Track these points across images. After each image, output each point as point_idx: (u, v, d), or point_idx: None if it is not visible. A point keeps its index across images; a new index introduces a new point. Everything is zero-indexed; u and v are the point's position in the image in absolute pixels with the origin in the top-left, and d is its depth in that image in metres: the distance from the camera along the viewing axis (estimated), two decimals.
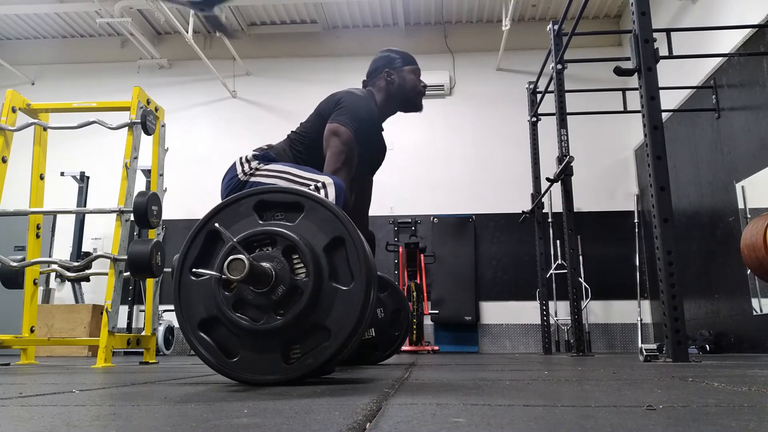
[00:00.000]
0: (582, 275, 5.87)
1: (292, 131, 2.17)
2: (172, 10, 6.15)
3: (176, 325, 6.23)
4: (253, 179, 1.95)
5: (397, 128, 7.02)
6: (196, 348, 1.32)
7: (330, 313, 1.27)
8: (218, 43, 6.91)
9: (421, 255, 5.91)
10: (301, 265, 1.28)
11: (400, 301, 2.83)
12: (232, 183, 1.99)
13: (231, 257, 1.19)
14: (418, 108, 2.31)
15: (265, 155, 2.03)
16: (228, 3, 6.04)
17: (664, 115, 4.96)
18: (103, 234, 6.61)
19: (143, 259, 2.77)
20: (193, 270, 1.32)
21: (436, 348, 5.81)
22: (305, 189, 1.69)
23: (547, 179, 4.34)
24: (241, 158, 2.03)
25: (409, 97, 2.27)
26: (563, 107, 4.12)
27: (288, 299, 1.26)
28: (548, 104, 4.80)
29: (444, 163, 6.80)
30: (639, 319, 6.00)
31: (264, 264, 1.26)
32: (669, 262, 2.53)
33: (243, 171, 1.99)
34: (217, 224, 1.32)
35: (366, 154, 2.19)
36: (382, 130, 2.32)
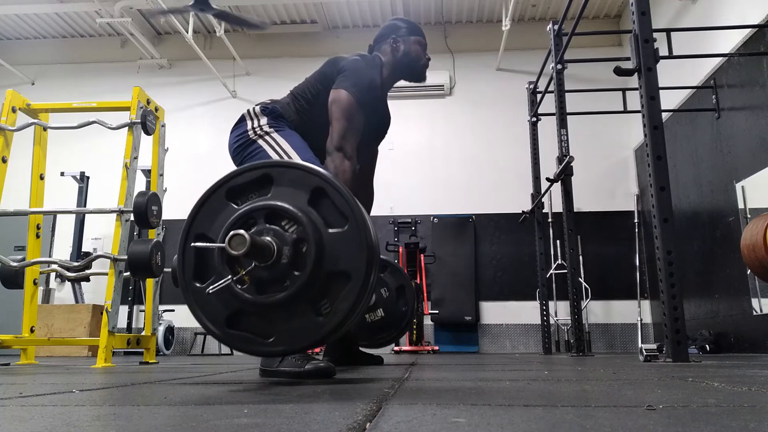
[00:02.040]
0: (582, 275, 5.87)
1: (296, 88, 2.17)
2: (171, 10, 6.15)
3: (176, 325, 6.23)
4: (260, 142, 1.97)
5: (397, 128, 7.03)
6: (234, 345, 1.32)
7: (340, 257, 1.28)
8: (218, 43, 6.91)
9: (421, 255, 5.91)
10: (294, 226, 1.29)
11: (403, 278, 2.88)
12: (242, 139, 2.01)
13: (230, 234, 1.19)
14: (421, 77, 2.32)
15: (273, 110, 2.04)
16: (224, 1, 6.03)
17: (664, 115, 4.97)
18: (103, 234, 6.61)
19: (143, 259, 2.77)
20: (209, 291, 1.30)
21: (436, 348, 5.81)
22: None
23: (547, 179, 4.34)
24: (249, 112, 2.05)
25: (413, 66, 2.27)
26: (563, 107, 4.12)
27: (296, 260, 1.27)
28: (548, 104, 4.80)
29: (444, 163, 6.80)
30: (639, 319, 6.00)
31: (261, 237, 1.27)
32: (669, 262, 2.53)
33: (252, 128, 2.00)
34: (193, 244, 1.31)
35: (370, 122, 2.17)
36: (386, 98, 2.32)
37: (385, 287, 2.76)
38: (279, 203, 1.29)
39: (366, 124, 2.08)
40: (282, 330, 1.28)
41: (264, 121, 2.01)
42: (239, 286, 1.27)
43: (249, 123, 2.02)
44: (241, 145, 2.01)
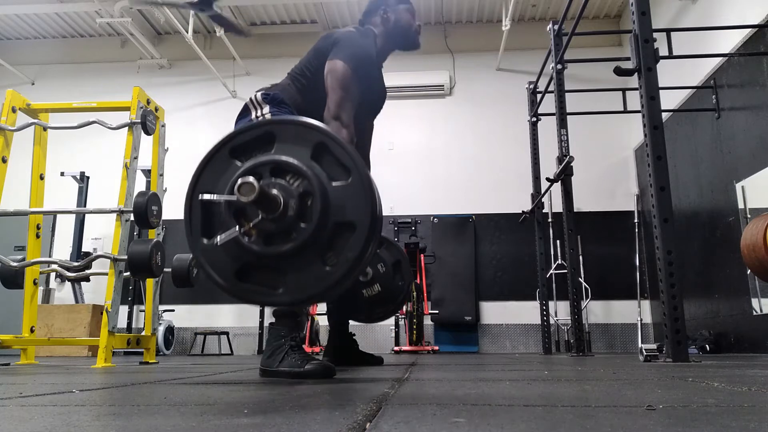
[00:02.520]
0: (582, 275, 5.87)
1: (291, 70, 2.18)
2: (172, 10, 6.15)
3: (176, 325, 6.24)
4: None
5: (397, 128, 7.05)
6: (243, 298, 1.34)
7: (345, 209, 1.30)
8: (218, 43, 6.91)
9: (421, 255, 5.91)
10: (298, 180, 1.31)
11: (399, 253, 2.91)
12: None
13: (240, 181, 1.20)
14: (416, 45, 2.34)
15: (275, 98, 2.04)
16: (224, 0, 6.03)
17: (664, 115, 4.96)
18: (103, 234, 6.61)
19: (143, 259, 2.77)
20: (217, 242, 1.32)
21: (436, 348, 5.81)
22: None
23: (547, 179, 4.34)
24: (252, 100, 2.06)
25: (406, 35, 2.28)
26: (563, 107, 4.12)
27: (302, 212, 1.29)
28: (548, 104, 4.80)
29: (444, 163, 6.80)
30: (639, 319, 6.00)
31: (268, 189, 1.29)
32: (669, 262, 2.53)
33: (256, 117, 2.01)
34: (201, 195, 1.33)
35: (367, 94, 2.16)
36: (381, 70, 2.31)
37: (382, 263, 2.79)
38: (283, 158, 1.32)
39: (362, 96, 2.08)
40: (290, 281, 1.30)
41: (266, 110, 2.01)
42: (247, 239, 1.29)
43: (253, 113, 2.02)
44: None
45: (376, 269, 2.76)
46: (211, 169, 1.37)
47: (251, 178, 1.20)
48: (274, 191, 1.28)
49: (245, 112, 2.06)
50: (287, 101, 2.05)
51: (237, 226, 1.28)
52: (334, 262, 1.30)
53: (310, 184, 1.29)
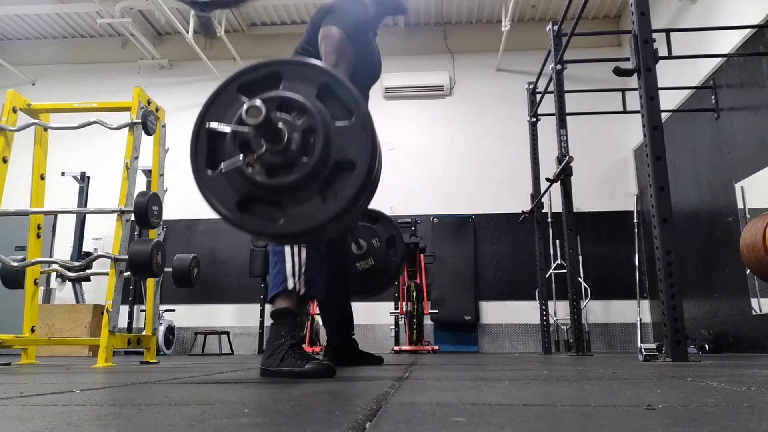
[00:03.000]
0: (581, 275, 5.87)
1: (296, 46, 2.19)
2: (172, 10, 6.15)
3: (176, 324, 6.24)
4: None
5: (397, 128, 7.05)
6: (245, 228, 1.37)
7: (346, 148, 1.33)
8: (219, 44, 6.91)
9: (421, 255, 5.91)
10: (303, 116, 1.34)
11: (394, 229, 2.97)
12: None
13: (247, 104, 1.23)
14: (401, 9, 2.32)
15: None
16: (232, 6, 6.03)
17: (664, 116, 4.97)
18: (104, 234, 6.61)
19: (144, 259, 2.77)
20: (210, 125, 1.35)
21: (436, 348, 5.81)
22: None
23: (547, 179, 4.34)
24: None
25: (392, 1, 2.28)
26: (563, 107, 4.12)
27: (305, 147, 1.32)
28: (548, 104, 4.80)
29: (444, 163, 6.80)
30: (638, 318, 6.00)
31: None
32: (668, 262, 2.54)
33: None
34: (209, 123, 1.36)
35: (362, 62, 2.17)
36: (375, 39, 2.31)
37: (377, 237, 2.85)
38: (289, 94, 1.35)
39: (357, 63, 2.08)
40: (290, 213, 1.33)
41: None
42: (250, 170, 1.32)
43: None
44: None
45: (370, 243, 2.83)
46: (219, 103, 1.41)
47: (258, 102, 1.23)
48: (279, 124, 1.30)
49: None
50: None
51: (241, 155, 1.31)
52: (332, 199, 1.33)
53: (314, 120, 1.32)
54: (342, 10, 2.04)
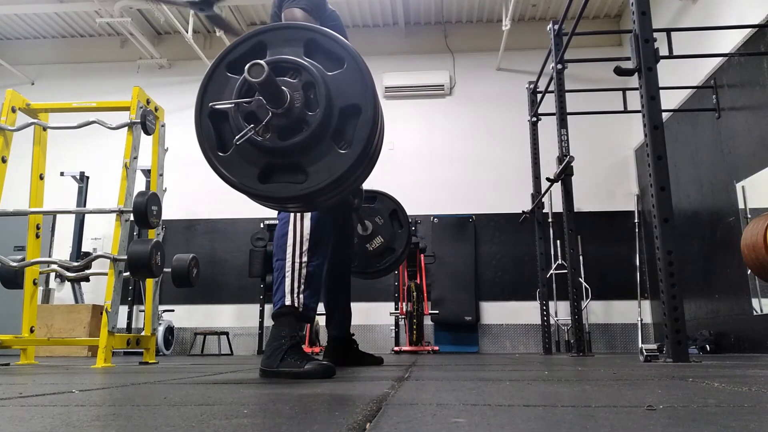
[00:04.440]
0: (582, 275, 5.87)
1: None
2: (171, 9, 6.15)
3: (176, 325, 6.24)
4: None
5: (397, 128, 7.04)
6: (272, 198, 1.38)
7: (347, 93, 1.36)
8: (218, 43, 6.91)
9: (421, 255, 5.91)
10: (299, 74, 1.36)
11: (393, 202, 3.01)
12: None
13: (249, 64, 1.24)
14: None
15: None
16: (225, 2, 6.03)
17: (665, 115, 4.96)
18: (103, 234, 6.61)
19: (143, 259, 2.76)
20: (236, 142, 1.35)
21: (436, 348, 5.81)
22: None
23: (548, 179, 4.34)
24: None
25: None
26: (563, 107, 4.12)
27: (309, 102, 1.34)
28: (548, 104, 4.79)
29: (444, 163, 6.80)
30: (639, 319, 6.00)
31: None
32: (669, 262, 2.53)
33: None
34: (212, 104, 1.38)
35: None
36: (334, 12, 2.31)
37: (379, 215, 2.90)
38: (281, 56, 1.37)
39: None
40: (312, 170, 1.35)
41: None
42: (261, 139, 1.33)
43: None
44: None
45: (374, 222, 2.88)
46: (213, 86, 1.42)
47: (260, 61, 1.24)
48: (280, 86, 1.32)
49: None
50: None
51: (251, 125, 1.32)
52: (348, 146, 1.35)
53: (311, 74, 1.34)
54: None
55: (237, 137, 1.32)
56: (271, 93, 1.29)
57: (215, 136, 1.39)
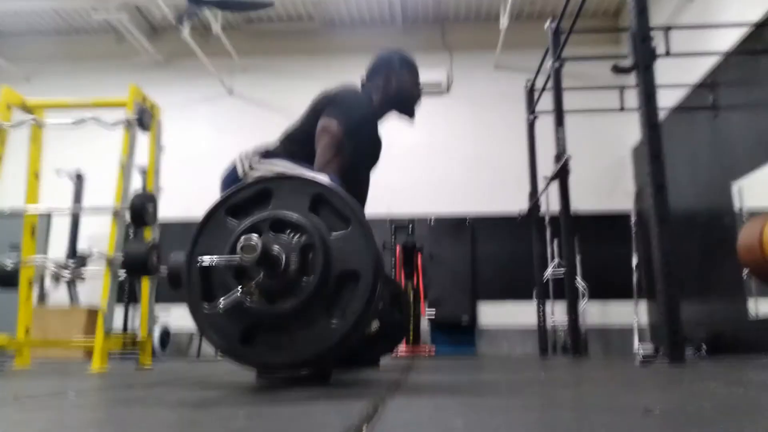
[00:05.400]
0: (579, 275, 5.87)
1: (285, 131, 2.17)
2: (168, 5, 6.12)
3: (172, 327, 6.22)
4: (252, 173, 1.97)
5: (393, 127, 7.02)
6: (251, 362, 1.30)
7: (347, 258, 1.29)
8: (215, 40, 6.88)
9: (418, 255, 5.91)
10: (298, 233, 1.29)
11: (395, 286, 2.92)
12: (230, 178, 2.01)
13: (242, 241, 1.18)
14: (410, 114, 2.33)
15: (264, 152, 2.04)
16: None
17: (662, 114, 4.97)
18: (99, 233, 6.58)
19: (139, 258, 2.75)
20: (221, 307, 1.27)
21: (433, 350, 5.81)
22: None
23: (545, 178, 4.34)
24: (240, 155, 2.05)
25: (404, 102, 2.28)
26: (561, 105, 4.12)
27: (305, 266, 1.27)
28: (546, 102, 4.79)
29: (441, 162, 6.79)
30: (636, 320, 6.02)
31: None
32: (666, 263, 2.53)
33: (243, 168, 2.00)
34: (199, 260, 1.31)
35: (362, 152, 2.18)
36: (377, 128, 2.32)
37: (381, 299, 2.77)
38: (282, 212, 1.30)
39: (357, 153, 2.07)
40: (298, 339, 1.27)
41: (255, 159, 2.01)
42: (249, 299, 1.26)
43: (239, 166, 2.01)
44: (231, 183, 2.00)
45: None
46: (209, 231, 1.35)
47: (254, 237, 1.18)
48: (275, 248, 1.25)
49: (231, 167, 2.02)
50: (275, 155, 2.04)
51: (239, 287, 1.25)
52: (340, 316, 1.27)
53: (311, 236, 1.27)
54: (343, 104, 2.00)
55: (223, 301, 1.25)
56: (265, 261, 1.23)
57: (201, 284, 1.32)
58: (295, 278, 1.26)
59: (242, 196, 1.36)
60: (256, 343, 1.29)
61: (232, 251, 1.23)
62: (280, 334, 1.28)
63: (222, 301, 1.25)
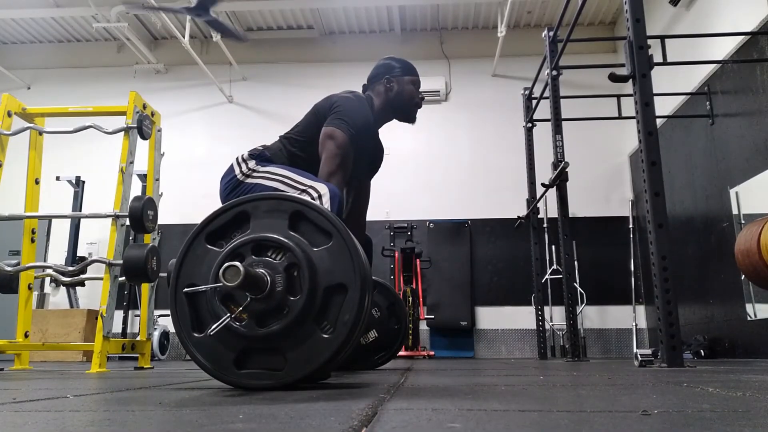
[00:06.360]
0: (577, 280, 5.88)
1: (286, 132, 2.18)
2: (168, 15, 6.16)
3: (171, 330, 6.20)
4: (249, 180, 1.98)
5: (393, 134, 7.04)
6: (247, 386, 1.30)
7: (333, 272, 1.29)
8: (215, 48, 6.91)
9: (417, 260, 5.91)
10: (281, 253, 1.30)
11: (392, 295, 2.89)
12: (231, 183, 2.02)
13: (224, 266, 1.18)
14: (411, 119, 2.34)
15: (261, 155, 2.05)
16: (220, 6, 6.04)
17: (659, 121, 4.99)
18: (99, 239, 6.58)
19: (139, 264, 2.76)
20: (210, 334, 1.28)
21: (432, 353, 5.80)
22: (304, 196, 1.70)
23: (543, 185, 4.35)
24: (237, 158, 2.07)
25: (405, 107, 2.29)
26: (558, 113, 4.14)
27: (291, 285, 1.28)
28: (543, 110, 4.82)
29: (440, 168, 6.82)
30: (634, 324, 6.01)
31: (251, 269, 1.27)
32: (664, 268, 2.54)
33: (241, 171, 2.01)
34: (184, 291, 1.32)
35: (363, 158, 2.20)
36: (378, 134, 2.34)
37: (376, 308, 2.76)
38: (262, 234, 1.30)
39: (358, 160, 2.10)
40: (292, 357, 1.27)
41: (252, 164, 2.02)
42: (238, 324, 1.26)
43: (237, 168, 2.03)
44: (230, 189, 2.02)
45: (371, 315, 2.72)
46: (191, 259, 1.35)
47: (236, 262, 1.17)
48: (260, 270, 1.26)
49: (229, 170, 2.06)
50: (276, 161, 2.05)
51: (227, 313, 1.26)
52: (332, 329, 1.27)
53: (294, 255, 1.27)
54: (347, 113, 2.02)
55: (211, 328, 1.25)
56: (250, 285, 1.23)
57: (190, 314, 1.33)
58: (282, 298, 1.26)
59: (220, 222, 1.37)
60: (251, 366, 1.29)
61: (216, 279, 1.23)
62: (274, 355, 1.28)
63: (211, 330, 1.25)
